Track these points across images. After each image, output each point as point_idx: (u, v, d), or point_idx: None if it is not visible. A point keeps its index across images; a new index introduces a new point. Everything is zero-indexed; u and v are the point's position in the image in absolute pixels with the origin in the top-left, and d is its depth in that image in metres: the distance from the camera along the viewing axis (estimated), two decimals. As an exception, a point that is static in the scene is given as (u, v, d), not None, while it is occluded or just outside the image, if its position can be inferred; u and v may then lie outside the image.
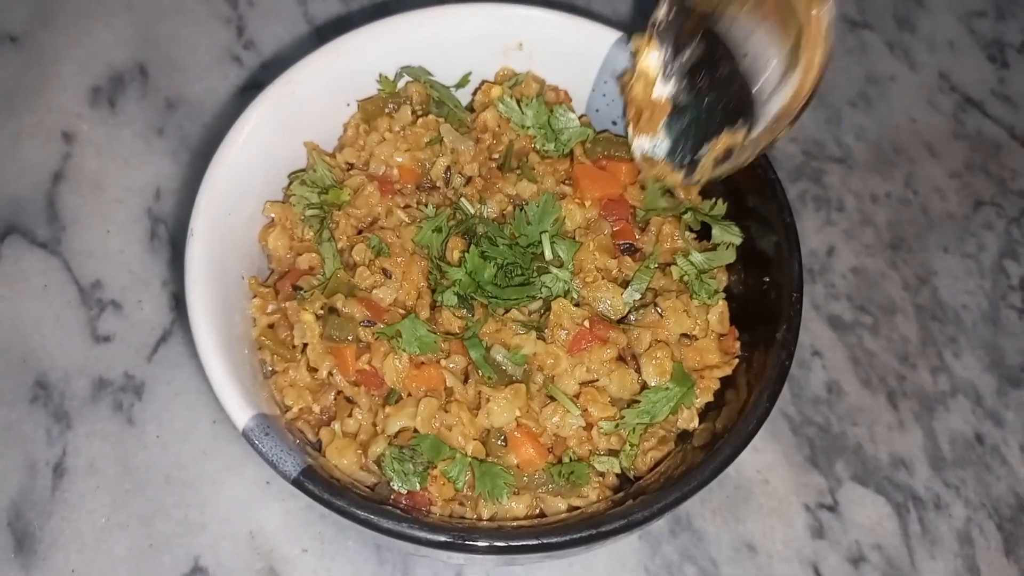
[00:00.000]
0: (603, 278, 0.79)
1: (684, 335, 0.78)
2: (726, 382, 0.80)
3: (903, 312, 1.10)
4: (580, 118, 0.89)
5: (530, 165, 0.85)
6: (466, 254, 0.76)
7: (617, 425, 0.73)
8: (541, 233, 0.79)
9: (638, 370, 0.75)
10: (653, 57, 0.84)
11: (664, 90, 0.84)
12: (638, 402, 0.74)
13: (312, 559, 0.89)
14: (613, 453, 0.74)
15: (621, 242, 0.84)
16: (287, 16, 1.23)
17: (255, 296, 0.80)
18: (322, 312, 0.75)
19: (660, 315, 0.77)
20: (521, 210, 0.80)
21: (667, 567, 0.92)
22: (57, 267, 1.03)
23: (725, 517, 0.95)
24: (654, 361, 0.75)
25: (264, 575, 0.88)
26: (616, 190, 0.86)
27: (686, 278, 0.81)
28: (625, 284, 0.80)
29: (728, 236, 0.82)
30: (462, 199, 0.81)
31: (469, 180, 0.84)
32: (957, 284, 1.12)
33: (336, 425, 0.75)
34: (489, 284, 0.75)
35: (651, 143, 0.85)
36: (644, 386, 0.75)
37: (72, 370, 0.97)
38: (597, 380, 0.74)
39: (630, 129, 0.86)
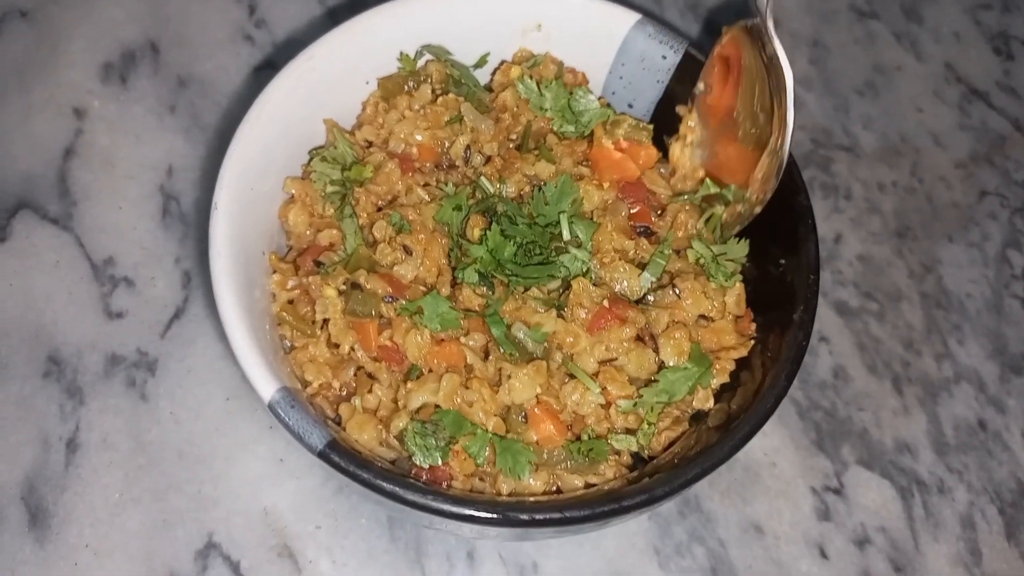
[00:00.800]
0: (620, 259, 0.80)
1: (702, 316, 0.79)
2: (741, 364, 0.81)
3: (908, 299, 1.11)
4: (598, 100, 0.90)
5: (548, 146, 0.86)
6: (487, 232, 0.76)
7: (635, 404, 0.74)
8: (559, 213, 0.79)
9: (656, 350, 0.76)
10: (693, 122, 0.88)
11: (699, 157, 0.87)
12: (656, 381, 0.75)
13: (325, 536, 0.89)
14: (630, 432, 0.75)
15: (638, 224, 0.85)
16: (299, -4, 1.22)
17: (275, 272, 0.80)
18: (345, 287, 0.76)
19: (678, 296, 0.78)
20: (539, 190, 0.80)
21: (676, 547, 0.93)
22: (69, 243, 1.02)
23: (733, 499, 0.96)
24: (672, 341, 0.75)
25: (277, 551, 0.88)
26: (633, 173, 0.86)
27: (702, 260, 0.82)
28: (641, 266, 0.80)
29: (736, 251, 0.83)
30: (482, 178, 0.81)
31: (488, 159, 0.84)
32: (961, 273, 1.14)
33: (356, 401, 0.75)
34: (510, 262, 0.75)
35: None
36: (662, 366, 0.76)
37: (85, 346, 0.97)
38: (616, 359, 0.75)
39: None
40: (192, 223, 1.04)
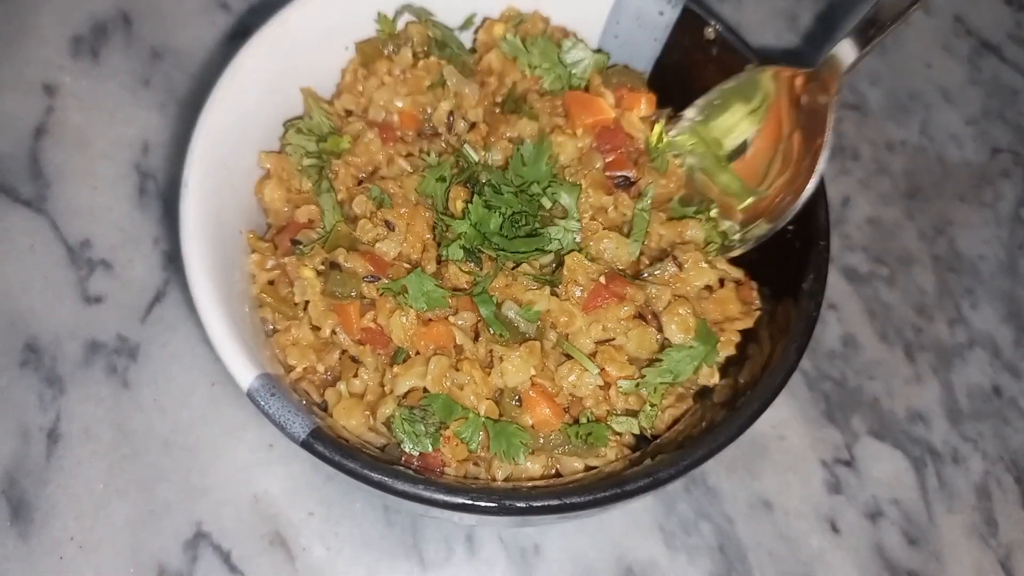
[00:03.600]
0: (598, 219, 0.75)
1: (705, 288, 0.74)
2: (747, 336, 0.77)
3: (920, 263, 1.07)
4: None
5: (529, 104, 0.81)
6: (469, 205, 0.71)
7: (638, 384, 0.70)
8: (531, 184, 0.74)
9: (659, 328, 0.72)
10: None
11: None
12: (659, 360, 0.71)
13: (319, 522, 0.86)
14: (632, 413, 0.71)
15: (615, 175, 0.80)
16: (276, -40, 1.17)
17: (253, 252, 0.76)
18: (323, 267, 0.71)
19: (679, 268, 0.74)
20: (518, 150, 0.75)
21: (682, 525, 0.90)
22: (43, 226, 0.98)
23: (740, 474, 0.93)
24: (677, 318, 0.71)
25: (269, 539, 0.85)
26: (608, 114, 0.81)
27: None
28: (626, 229, 0.76)
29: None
30: (465, 146, 0.76)
31: (473, 126, 0.79)
32: (974, 234, 1.09)
33: (342, 385, 0.72)
34: (496, 235, 0.71)
35: None
36: (665, 344, 0.72)
37: (63, 333, 0.93)
38: (614, 339, 0.71)
39: None
40: (170, 202, 1.00)
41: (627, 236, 0.76)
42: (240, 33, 1.10)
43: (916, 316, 1.03)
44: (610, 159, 0.79)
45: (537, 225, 0.72)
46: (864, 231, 1.08)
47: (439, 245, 0.73)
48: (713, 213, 0.81)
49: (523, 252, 0.70)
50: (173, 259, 0.97)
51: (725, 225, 0.80)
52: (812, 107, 0.76)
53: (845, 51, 0.74)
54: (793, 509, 0.92)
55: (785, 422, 0.96)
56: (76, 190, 1.00)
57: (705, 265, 0.74)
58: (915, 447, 0.96)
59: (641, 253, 0.76)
